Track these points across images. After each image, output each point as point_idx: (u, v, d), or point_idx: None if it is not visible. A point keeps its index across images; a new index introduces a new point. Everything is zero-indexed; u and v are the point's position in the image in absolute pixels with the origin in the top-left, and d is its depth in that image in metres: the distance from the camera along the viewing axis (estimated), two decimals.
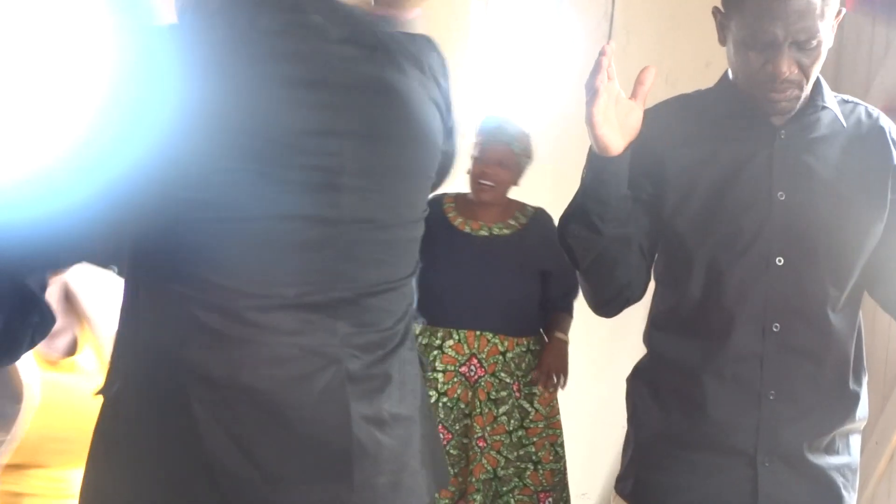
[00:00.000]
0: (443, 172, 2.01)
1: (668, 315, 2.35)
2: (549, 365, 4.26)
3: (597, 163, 2.20)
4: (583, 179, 2.24)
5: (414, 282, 1.97)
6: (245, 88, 1.73)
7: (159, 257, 1.78)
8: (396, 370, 1.90)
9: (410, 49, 1.90)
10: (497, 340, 4.25)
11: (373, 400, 1.85)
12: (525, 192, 4.44)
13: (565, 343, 4.35)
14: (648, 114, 2.25)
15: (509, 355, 4.24)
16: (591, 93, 2.13)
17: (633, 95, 2.18)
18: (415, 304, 1.98)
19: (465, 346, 4.22)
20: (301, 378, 1.79)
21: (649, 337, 2.40)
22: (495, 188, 4.35)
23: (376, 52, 1.85)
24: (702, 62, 3.70)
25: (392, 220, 1.90)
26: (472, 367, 4.22)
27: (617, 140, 2.16)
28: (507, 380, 4.23)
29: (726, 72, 2.34)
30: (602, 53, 2.12)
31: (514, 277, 4.30)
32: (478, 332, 4.23)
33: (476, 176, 4.37)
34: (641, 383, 2.39)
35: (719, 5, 2.26)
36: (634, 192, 2.26)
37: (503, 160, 4.36)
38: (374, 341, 1.88)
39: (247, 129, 1.73)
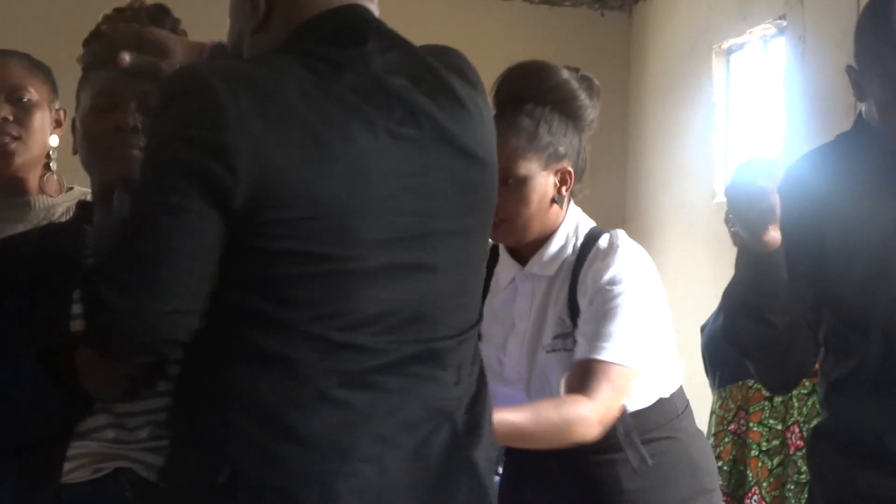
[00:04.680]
0: None
1: (846, 380, 2.25)
2: None
3: (758, 259, 2.11)
4: (742, 277, 2.17)
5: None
6: (349, 142, 1.70)
7: (268, 318, 1.67)
8: (486, 420, 1.86)
9: (458, 65, 1.87)
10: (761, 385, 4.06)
11: (479, 448, 1.83)
12: None
13: None
14: (794, 178, 2.16)
15: (777, 399, 4.07)
16: (768, 198, 2.04)
17: None
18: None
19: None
20: (426, 439, 1.75)
21: (828, 401, 2.30)
22: None
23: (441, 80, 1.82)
24: None
25: (474, 262, 1.89)
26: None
27: (777, 233, 2.09)
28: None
29: (860, 113, 2.25)
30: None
31: None
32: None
33: None
34: (825, 443, 2.31)
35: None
36: (793, 266, 2.16)
37: None
38: (469, 392, 1.84)
39: (356, 178, 1.70)
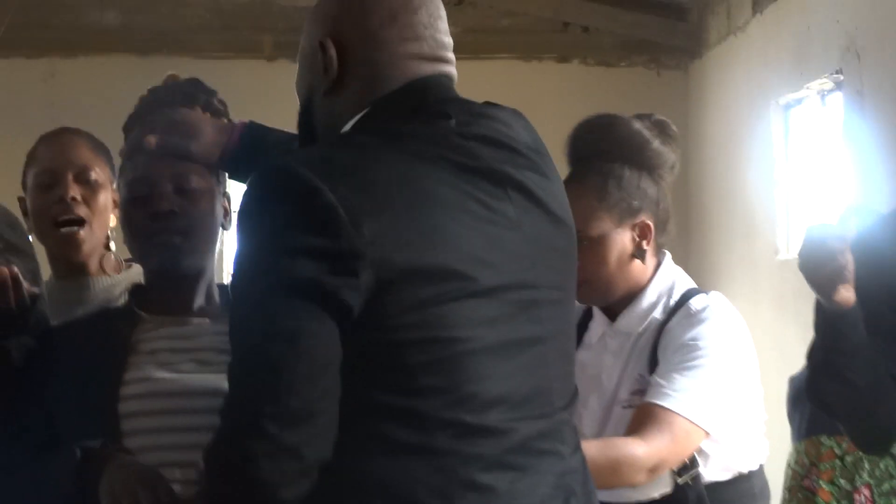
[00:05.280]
0: None
1: None
2: None
3: (832, 318, 2.12)
4: (819, 336, 2.17)
5: None
6: (449, 224, 1.68)
7: (402, 409, 1.63)
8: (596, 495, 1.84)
9: (532, 138, 1.85)
10: (833, 443, 4.00)
11: None
12: None
13: None
14: (872, 236, 2.14)
15: (848, 459, 3.99)
16: (836, 259, 2.05)
17: None
18: None
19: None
20: None
21: None
22: None
23: (517, 155, 1.81)
24: None
25: (571, 328, 1.88)
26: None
27: (849, 293, 2.08)
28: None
29: None
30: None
31: None
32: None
33: None
34: None
35: None
36: (875, 323, 2.15)
37: None
38: (581, 462, 1.81)
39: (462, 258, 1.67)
